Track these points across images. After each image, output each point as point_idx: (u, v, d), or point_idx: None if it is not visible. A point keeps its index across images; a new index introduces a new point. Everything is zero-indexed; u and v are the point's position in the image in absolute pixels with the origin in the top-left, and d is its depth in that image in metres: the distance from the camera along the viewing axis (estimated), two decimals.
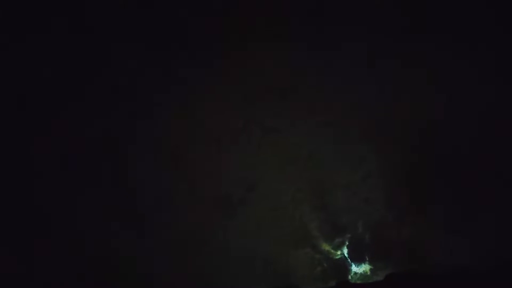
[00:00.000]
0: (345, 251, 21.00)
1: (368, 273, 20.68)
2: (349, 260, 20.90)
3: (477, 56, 20.72)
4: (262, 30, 21.82)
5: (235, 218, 21.28)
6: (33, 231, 20.29)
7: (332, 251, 21.09)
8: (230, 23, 21.82)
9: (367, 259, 20.82)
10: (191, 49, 22.38)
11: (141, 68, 22.21)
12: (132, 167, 21.71)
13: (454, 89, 21.14)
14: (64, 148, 21.20)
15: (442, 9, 21.13)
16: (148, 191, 21.49)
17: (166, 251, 20.36)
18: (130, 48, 22.12)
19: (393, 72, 21.47)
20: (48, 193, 20.67)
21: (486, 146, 20.46)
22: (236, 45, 21.89)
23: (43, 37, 21.44)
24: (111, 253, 20.01)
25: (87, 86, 21.99)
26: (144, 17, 22.44)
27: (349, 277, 20.74)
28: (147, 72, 22.32)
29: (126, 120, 22.08)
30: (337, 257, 21.01)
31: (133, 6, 22.21)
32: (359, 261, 20.82)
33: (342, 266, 20.88)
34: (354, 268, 20.81)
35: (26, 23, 21.47)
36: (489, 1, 20.67)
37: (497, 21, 20.82)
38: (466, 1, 20.75)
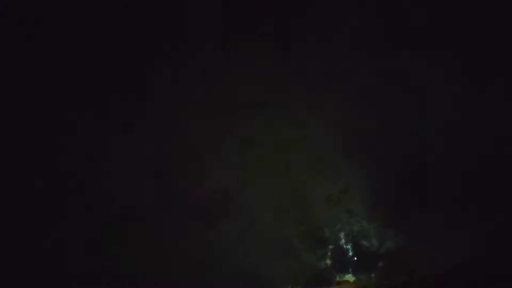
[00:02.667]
0: (329, 262, 20.70)
1: None
2: (333, 271, 20.57)
3: (458, 69, 21.21)
4: (241, 44, 22.22)
5: (215, 230, 20.74)
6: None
7: (316, 262, 20.73)
8: (209, 36, 22.20)
9: (351, 270, 20.56)
10: (172, 62, 22.52)
11: (120, 80, 22.10)
12: (112, 180, 21.10)
13: (435, 103, 21.57)
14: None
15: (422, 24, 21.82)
16: (128, 203, 20.80)
17: (148, 264, 19.51)
18: (111, 59, 22.09)
19: (372, 86, 21.98)
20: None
21: (470, 156, 20.79)
22: (216, 59, 22.19)
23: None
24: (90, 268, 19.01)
25: (68, 94, 21.66)
26: (125, 30, 22.56)
27: None
28: (127, 84, 22.22)
29: (106, 132, 21.68)
30: (321, 268, 20.66)
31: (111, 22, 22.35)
32: (342, 272, 20.53)
33: (326, 278, 20.49)
34: (338, 279, 20.46)
35: None
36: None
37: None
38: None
